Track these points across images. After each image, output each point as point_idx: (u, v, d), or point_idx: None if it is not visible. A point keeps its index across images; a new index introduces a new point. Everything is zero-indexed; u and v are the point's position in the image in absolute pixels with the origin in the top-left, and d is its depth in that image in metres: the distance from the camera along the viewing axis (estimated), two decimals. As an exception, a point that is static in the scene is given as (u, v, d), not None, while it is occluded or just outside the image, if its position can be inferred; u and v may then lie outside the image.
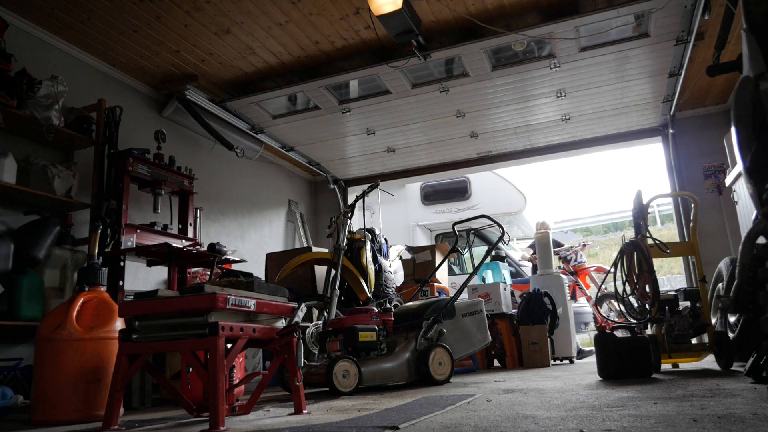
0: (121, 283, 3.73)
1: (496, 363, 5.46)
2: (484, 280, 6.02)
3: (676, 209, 6.27)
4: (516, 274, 8.05)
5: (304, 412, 2.31)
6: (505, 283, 5.69)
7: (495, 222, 4.35)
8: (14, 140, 3.77)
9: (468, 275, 4.21)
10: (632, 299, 3.61)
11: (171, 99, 5.12)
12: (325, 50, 4.69)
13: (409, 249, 6.17)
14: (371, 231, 4.87)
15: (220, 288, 2.14)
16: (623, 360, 3.16)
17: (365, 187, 4.37)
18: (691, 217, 4.00)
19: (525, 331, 4.95)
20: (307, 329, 4.09)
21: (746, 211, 4.59)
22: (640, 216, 3.72)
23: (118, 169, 3.96)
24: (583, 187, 24.86)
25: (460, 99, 5.33)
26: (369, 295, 4.50)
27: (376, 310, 3.64)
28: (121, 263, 3.76)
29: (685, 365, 3.98)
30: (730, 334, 3.30)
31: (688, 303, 3.65)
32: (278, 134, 6.03)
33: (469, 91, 5.19)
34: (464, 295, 4.25)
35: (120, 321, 2.72)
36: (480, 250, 9.48)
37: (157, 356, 3.49)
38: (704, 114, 6.21)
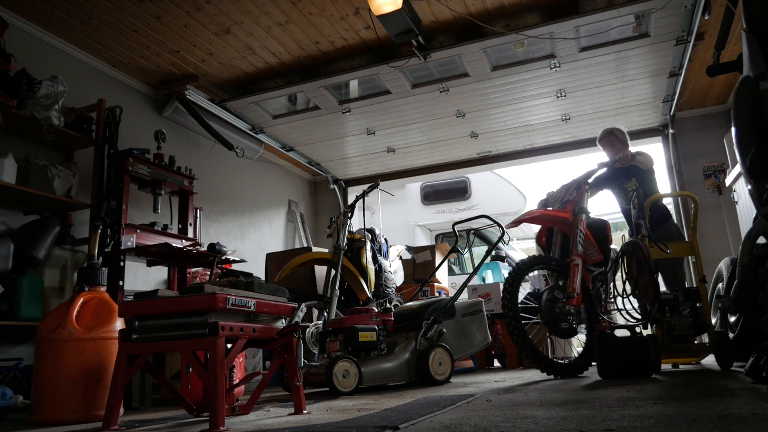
0: (121, 283, 3.72)
1: (496, 363, 5.46)
2: (484, 280, 6.03)
3: (676, 209, 6.26)
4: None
5: (304, 412, 2.31)
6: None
7: (495, 222, 4.34)
8: (14, 140, 3.77)
9: (468, 275, 4.20)
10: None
11: (171, 99, 5.12)
12: (325, 50, 4.69)
13: (409, 249, 6.16)
14: (371, 231, 4.86)
15: (220, 288, 2.14)
16: (623, 360, 3.15)
17: (365, 187, 4.37)
18: (691, 218, 4.00)
19: (525, 331, 4.94)
20: (307, 329, 4.08)
21: (746, 211, 4.59)
22: (641, 216, 3.72)
23: (118, 169, 3.96)
24: (582, 187, 24.77)
25: (460, 99, 5.33)
26: (369, 295, 4.49)
27: (376, 310, 3.64)
28: (121, 263, 3.76)
29: (685, 365, 3.98)
30: (730, 334, 3.30)
31: (688, 303, 3.65)
32: (278, 134, 6.03)
33: (469, 91, 5.19)
34: (464, 295, 4.25)
35: (120, 321, 2.71)
36: (480, 250, 9.48)
37: (157, 356, 3.49)
38: (704, 114, 6.21)
